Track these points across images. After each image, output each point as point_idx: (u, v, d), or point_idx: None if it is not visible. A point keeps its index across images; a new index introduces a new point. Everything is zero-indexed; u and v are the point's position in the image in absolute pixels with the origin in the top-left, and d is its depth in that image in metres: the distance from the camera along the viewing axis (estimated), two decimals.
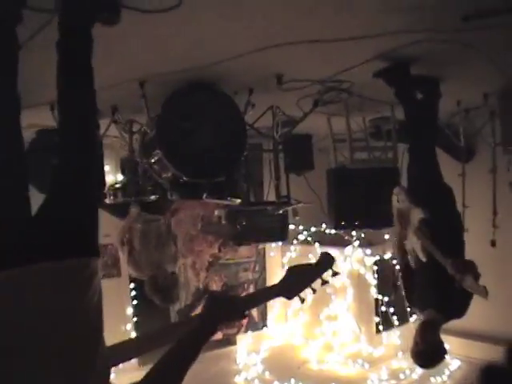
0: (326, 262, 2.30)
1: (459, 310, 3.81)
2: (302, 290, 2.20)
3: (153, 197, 4.51)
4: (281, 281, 2.20)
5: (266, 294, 2.31)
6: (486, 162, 5.75)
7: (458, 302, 3.76)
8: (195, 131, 3.64)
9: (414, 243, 3.95)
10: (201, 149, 3.63)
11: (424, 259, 3.82)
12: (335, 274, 2.33)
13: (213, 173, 3.77)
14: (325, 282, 2.28)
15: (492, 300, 6.33)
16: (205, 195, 4.13)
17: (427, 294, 3.80)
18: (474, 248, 5.55)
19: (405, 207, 4.02)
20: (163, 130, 3.66)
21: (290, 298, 2.19)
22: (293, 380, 6.19)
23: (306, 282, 2.20)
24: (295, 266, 2.25)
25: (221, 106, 3.80)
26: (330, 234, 7.09)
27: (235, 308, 2.05)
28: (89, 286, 1.76)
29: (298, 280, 2.19)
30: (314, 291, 2.23)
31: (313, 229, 7.48)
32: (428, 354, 3.67)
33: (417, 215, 3.82)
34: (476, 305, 6.05)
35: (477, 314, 6.35)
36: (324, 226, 7.13)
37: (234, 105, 3.88)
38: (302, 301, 2.22)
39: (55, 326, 1.66)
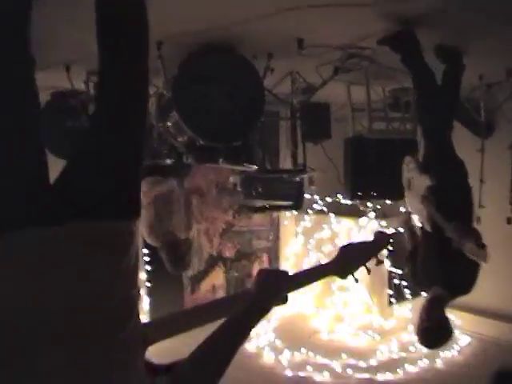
0: (382, 240, 2.22)
1: (466, 287, 3.71)
2: (356, 268, 2.09)
3: (168, 161, 4.47)
4: (334, 259, 2.08)
5: (319, 271, 2.15)
6: (505, 138, 5.68)
7: (465, 278, 3.67)
8: (212, 94, 3.58)
9: (420, 212, 3.89)
10: (218, 112, 3.59)
11: (429, 229, 3.74)
12: (379, 262, 2.23)
13: (229, 137, 3.73)
14: (380, 262, 2.19)
15: (505, 277, 6.35)
16: (221, 160, 4.09)
17: (433, 270, 3.71)
18: (490, 225, 5.52)
19: (413, 176, 3.94)
20: (180, 91, 3.61)
21: (344, 277, 2.08)
22: (303, 349, 6.20)
23: (362, 261, 2.08)
24: (349, 244, 2.12)
25: (239, 69, 3.74)
26: (345, 204, 7.04)
27: (288, 285, 1.93)
28: (128, 249, 1.60)
29: (352, 258, 2.08)
30: (369, 271, 2.14)
31: (328, 199, 7.44)
32: (434, 331, 3.56)
33: (424, 182, 3.75)
34: (489, 282, 6.04)
35: (489, 290, 6.38)
36: (340, 196, 7.09)
37: (253, 69, 3.82)
38: (357, 281, 2.14)
39: (88, 294, 1.50)
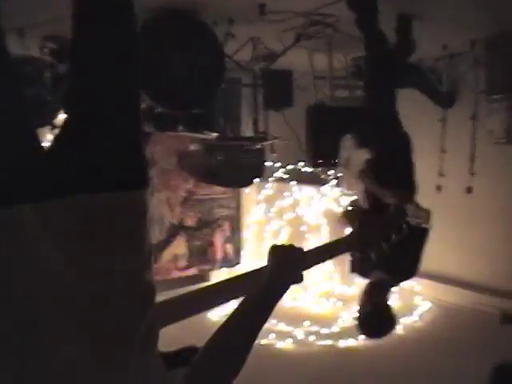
0: (398, 215, 2.16)
1: (410, 270, 3.52)
2: (375, 244, 2.03)
3: None
4: (351, 234, 2.00)
5: (336, 247, 2.02)
6: (467, 108, 5.70)
7: (408, 261, 3.44)
8: (171, 60, 3.50)
9: (358, 190, 3.75)
10: (177, 79, 3.50)
11: (367, 207, 3.59)
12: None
13: (189, 104, 3.65)
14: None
15: (465, 246, 6.44)
16: (180, 128, 4.00)
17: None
18: (450, 194, 5.57)
19: (351, 153, 3.82)
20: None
21: (362, 252, 2.03)
22: None
23: (380, 236, 2.01)
24: (366, 219, 2.09)
25: (199, 35, 3.66)
26: (306, 172, 7.03)
27: (305, 262, 1.79)
28: (143, 222, 1.41)
29: (369, 233, 2.00)
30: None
31: (289, 166, 7.41)
32: (374, 318, 3.23)
33: (362, 157, 3.63)
34: (448, 249, 6.13)
35: (449, 257, 6.49)
36: (301, 163, 7.07)
37: (213, 35, 3.74)
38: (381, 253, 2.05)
39: (99, 279, 1.32)
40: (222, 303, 1.87)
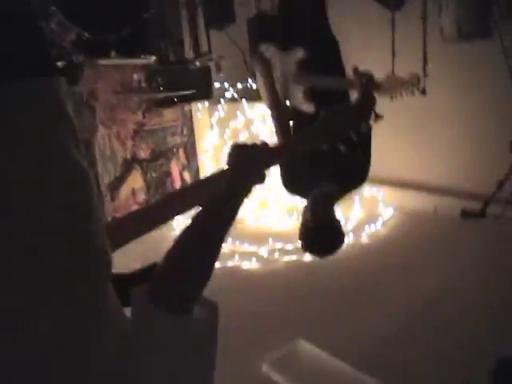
0: (367, 102, 1.95)
1: (361, 175, 3.24)
2: (340, 137, 1.80)
3: (59, 63, 4.11)
4: (315, 124, 1.76)
5: (304, 141, 1.78)
6: (416, 9, 5.57)
7: (359, 165, 3.13)
8: None
9: (293, 95, 3.53)
10: (101, 2, 3.26)
11: (312, 109, 3.34)
12: (378, 117, 1.98)
13: (115, 26, 3.40)
14: (378, 117, 1.93)
15: (423, 149, 6.44)
16: (113, 54, 3.77)
17: (319, 162, 2.71)
18: (404, 97, 5.48)
19: (276, 61, 3.61)
20: None
21: (329, 143, 1.79)
22: (230, 239, 6.15)
23: (346, 129, 1.78)
24: (333, 108, 1.80)
25: None
26: (257, 89, 6.86)
27: (268, 159, 1.63)
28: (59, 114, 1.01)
29: (336, 125, 1.77)
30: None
31: (239, 85, 7.22)
32: (319, 233, 2.88)
33: (294, 58, 3.42)
34: (408, 155, 6.12)
35: (409, 163, 6.47)
36: (250, 80, 6.89)
37: None
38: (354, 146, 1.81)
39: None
40: (185, 211, 1.66)
